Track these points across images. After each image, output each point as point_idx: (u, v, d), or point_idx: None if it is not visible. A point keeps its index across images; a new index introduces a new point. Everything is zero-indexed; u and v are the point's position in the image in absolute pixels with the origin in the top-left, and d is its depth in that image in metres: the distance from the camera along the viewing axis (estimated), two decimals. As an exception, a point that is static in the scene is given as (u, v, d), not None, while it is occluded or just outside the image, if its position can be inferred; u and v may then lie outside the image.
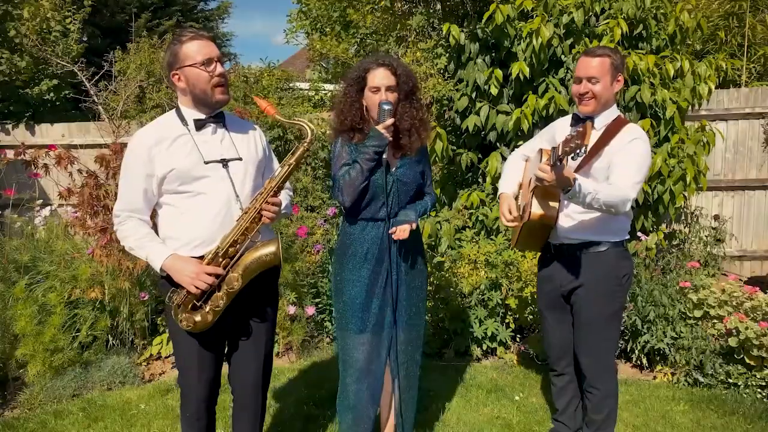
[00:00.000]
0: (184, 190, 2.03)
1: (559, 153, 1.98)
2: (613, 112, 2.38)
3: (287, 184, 2.29)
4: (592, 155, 2.32)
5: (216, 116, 2.09)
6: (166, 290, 2.07)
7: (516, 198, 2.59)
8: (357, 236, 2.38)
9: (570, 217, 2.39)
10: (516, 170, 2.64)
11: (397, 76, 2.29)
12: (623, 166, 2.24)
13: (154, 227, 2.13)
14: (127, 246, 2.08)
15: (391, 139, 2.26)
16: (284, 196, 2.23)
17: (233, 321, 2.15)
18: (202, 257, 2.03)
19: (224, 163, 2.06)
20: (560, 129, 2.52)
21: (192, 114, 2.07)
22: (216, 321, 2.06)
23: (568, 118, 2.51)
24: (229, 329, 2.19)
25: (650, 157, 2.31)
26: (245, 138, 2.18)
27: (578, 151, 1.93)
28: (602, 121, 2.36)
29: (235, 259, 2.04)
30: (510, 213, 2.46)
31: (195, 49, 1.99)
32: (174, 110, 2.12)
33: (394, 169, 2.36)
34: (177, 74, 2.02)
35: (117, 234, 2.09)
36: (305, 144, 2.12)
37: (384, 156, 2.29)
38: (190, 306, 2.04)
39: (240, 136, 2.16)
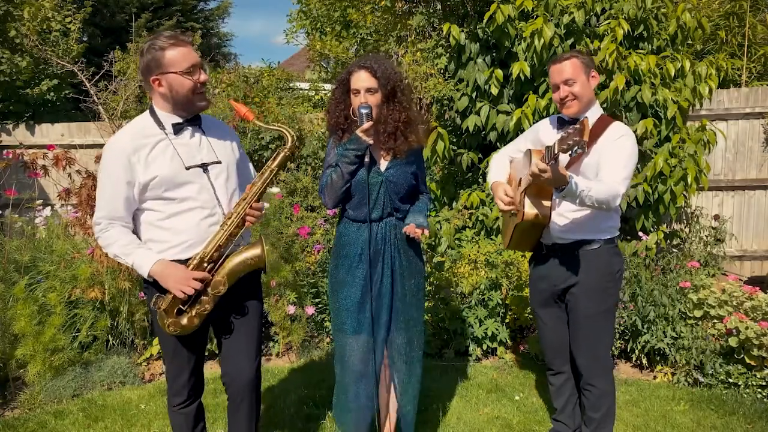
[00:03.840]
0: (169, 197, 2.03)
1: (555, 151, 1.98)
2: (596, 111, 2.41)
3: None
4: (581, 153, 2.34)
5: (193, 119, 2.09)
6: (151, 294, 2.09)
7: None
8: (351, 237, 2.39)
9: (563, 216, 2.40)
10: (503, 167, 2.65)
11: (377, 78, 2.27)
12: (611, 162, 2.27)
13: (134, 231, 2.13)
14: (112, 253, 2.05)
15: (371, 142, 2.27)
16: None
17: (218, 316, 2.18)
18: (187, 260, 2.05)
19: (204, 167, 2.07)
20: (544, 130, 2.54)
21: (170, 118, 2.06)
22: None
23: (551, 120, 2.53)
24: (214, 321, 2.21)
25: (636, 152, 2.36)
26: (221, 140, 2.18)
27: (577, 147, 1.92)
28: (589, 120, 2.37)
29: (219, 262, 2.06)
30: (506, 195, 2.42)
31: (180, 56, 1.97)
32: (147, 113, 2.09)
33: (383, 168, 2.37)
34: (159, 79, 2.00)
35: (99, 242, 2.06)
36: (285, 149, 2.14)
37: (366, 159, 2.30)
38: (175, 310, 2.05)
39: (217, 139, 2.16)
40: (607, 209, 2.27)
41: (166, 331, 2.06)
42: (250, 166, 2.37)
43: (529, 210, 2.31)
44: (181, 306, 2.05)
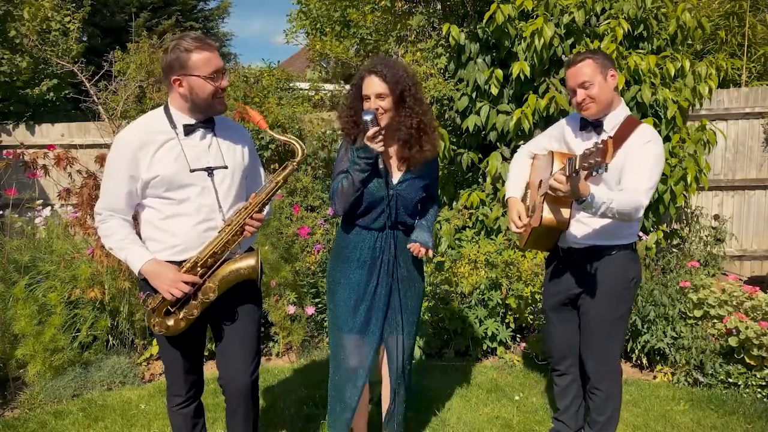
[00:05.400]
0: (169, 197, 2.02)
1: (576, 166, 1.93)
2: (621, 112, 2.33)
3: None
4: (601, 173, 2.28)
5: (206, 121, 2.08)
6: (146, 291, 2.09)
7: (524, 199, 2.56)
8: (351, 241, 2.38)
9: (581, 222, 2.36)
10: (523, 171, 2.59)
11: (387, 82, 2.20)
12: (636, 171, 2.19)
13: (137, 226, 2.13)
14: (108, 246, 2.07)
15: (381, 149, 2.20)
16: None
17: (215, 319, 2.18)
18: (181, 263, 2.04)
19: (210, 171, 2.05)
20: (568, 128, 2.47)
21: (183, 118, 2.05)
22: (195, 320, 2.08)
23: (575, 118, 2.44)
24: (212, 324, 2.21)
25: (663, 160, 2.26)
26: (233, 144, 2.15)
27: (597, 169, 1.85)
28: (611, 123, 2.31)
29: (213, 269, 2.04)
30: (520, 219, 2.42)
31: (204, 60, 1.97)
32: (162, 108, 2.08)
33: (396, 181, 2.33)
34: (180, 80, 1.99)
35: (98, 232, 2.08)
36: (294, 163, 2.12)
37: (381, 166, 2.24)
38: (163, 311, 2.05)
39: (228, 143, 2.14)
40: (628, 220, 2.21)
41: (152, 330, 2.07)
42: (261, 171, 2.32)
43: (547, 215, 2.27)
44: (169, 307, 2.04)
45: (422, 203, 2.46)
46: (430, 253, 2.35)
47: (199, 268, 2.02)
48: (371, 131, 2.16)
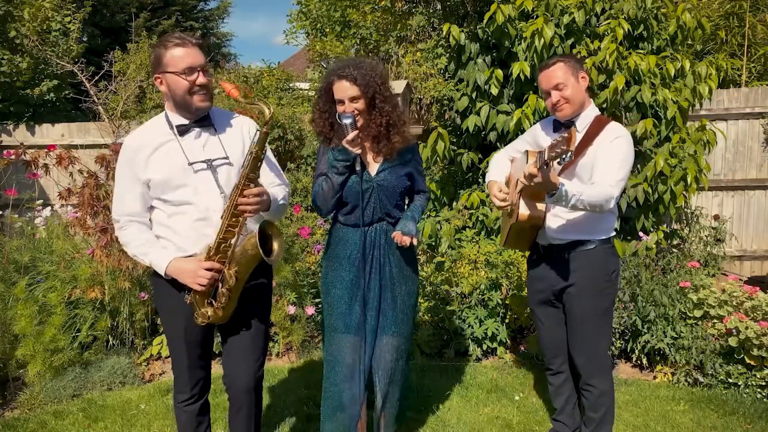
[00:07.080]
0: (166, 198, 2.04)
1: (546, 157, 2.01)
2: (591, 112, 2.42)
3: (284, 179, 2.28)
4: (576, 155, 2.36)
5: (201, 119, 2.07)
6: (157, 289, 2.12)
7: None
8: (341, 240, 2.40)
9: (558, 216, 2.42)
10: (502, 163, 2.67)
11: (358, 85, 2.22)
12: (606, 164, 2.28)
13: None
14: (130, 253, 2.10)
15: (358, 152, 2.24)
16: (279, 191, 2.21)
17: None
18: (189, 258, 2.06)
19: (209, 164, 2.05)
20: (541, 132, 2.56)
21: (177, 119, 2.06)
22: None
23: (549, 122, 2.54)
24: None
25: (632, 154, 2.36)
26: (234, 137, 2.14)
27: (564, 156, 1.97)
28: (583, 122, 2.40)
29: (229, 255, 2.05)
30: (501, 192, 2.45)
31: (178, 56, 1.96)
32: (164, 112, 2.11)
33: (374, 173, 2.35)
34: (159, 78, 2.02)
35: (119, 239, 2.12)
36: (265, 128, 2.04)
37: (357, 167, 2.28)
38: (205, 302, 2.08)
39: (228, 137, 2.13)
40: (600, 212, 2.28)
41: (196, 323, 2.08)
42: (271, 161, 2.26)
43: (523, 211, 2.33)
44: (212, 299, 2.07)
45: (408, 194, 2.49)
46: (415, 241, 2.34)
47: (213, 255, 2.03)
48: (351, 135, 2.19)
